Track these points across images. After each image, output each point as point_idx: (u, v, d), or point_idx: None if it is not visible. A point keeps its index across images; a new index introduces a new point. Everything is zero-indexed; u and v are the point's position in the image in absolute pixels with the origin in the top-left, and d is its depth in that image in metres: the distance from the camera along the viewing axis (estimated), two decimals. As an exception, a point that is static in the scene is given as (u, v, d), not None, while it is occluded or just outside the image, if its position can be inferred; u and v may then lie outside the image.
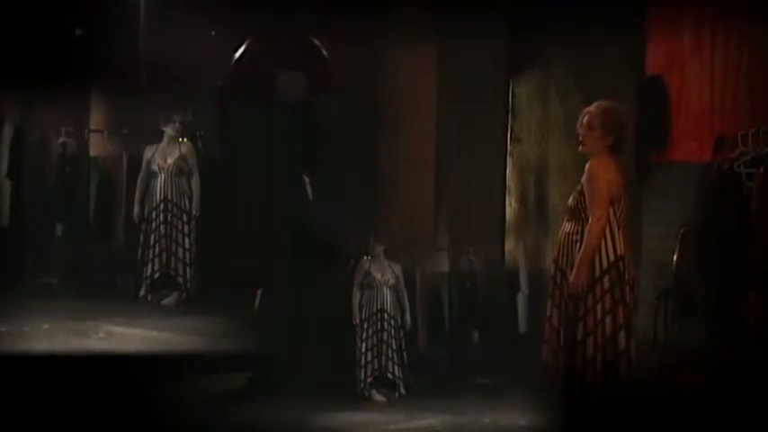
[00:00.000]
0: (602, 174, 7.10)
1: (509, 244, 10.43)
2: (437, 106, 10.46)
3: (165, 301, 9.96)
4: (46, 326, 8.75)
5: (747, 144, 8.75)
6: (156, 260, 9.97)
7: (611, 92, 10.08)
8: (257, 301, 9.28)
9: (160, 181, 10.05)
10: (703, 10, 9.57)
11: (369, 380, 9.44)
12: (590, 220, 7.09)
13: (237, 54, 9.34)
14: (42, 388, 7.36)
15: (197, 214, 10.07)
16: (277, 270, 9.28)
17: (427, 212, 10.42)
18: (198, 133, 10.38)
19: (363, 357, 9.48)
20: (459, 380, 9.73)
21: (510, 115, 10.64)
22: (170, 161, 10.07)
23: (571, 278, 7.10)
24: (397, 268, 9.71)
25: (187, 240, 10.01)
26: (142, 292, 10.01)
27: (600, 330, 7.12)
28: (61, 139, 10.55)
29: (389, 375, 9.50)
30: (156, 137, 10.21)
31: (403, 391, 9.51)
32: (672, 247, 9.16)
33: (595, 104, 7.39)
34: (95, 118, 10.91)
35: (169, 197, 10.03)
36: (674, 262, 9.12)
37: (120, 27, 10.12)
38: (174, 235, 10.01)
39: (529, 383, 8.29)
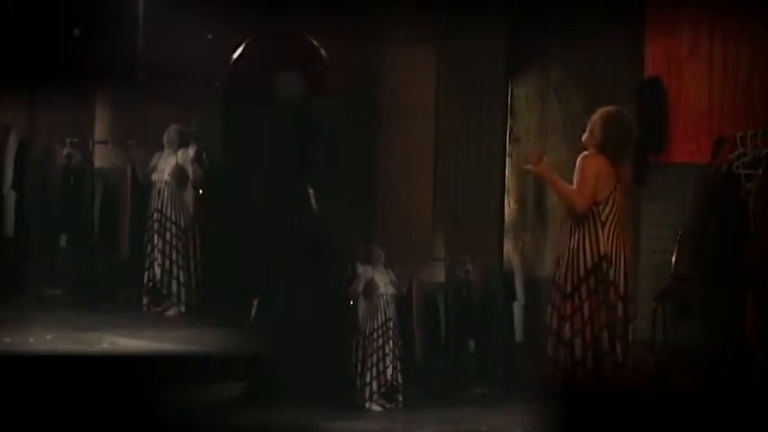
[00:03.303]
0: (589, 164, 7.22)
1: (508, 245, 10.44)
2: (436, 107, 10.45)
3: (167, 312, 9.95)
4: (49, 337, 8.74)
5: (746, 145, 8.74)
6: (150, 271, 9.97)
7: (609, 93, 10.13)
8: (253, 312, 9.26)
9: (154, 191, 10.05)
10: (702, 11, 9.57)
11: (381, 390, 9.32)
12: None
13: (236, 55, 9.33)
14: (37, 390, 7.35)
15: (188, 227, 10.04)
16: (277, 278, 9.24)
17: (426, 214, 10.41)
18: (202, 145, 10.37)
19: (375, 369, 9.36)
20: (455, 389, 9.68)
21: (509, 116, 10.65)
22: (166, 172, 10.07)
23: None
24: (394, 276, 9.63)
25: (174, 252, 9.98)
26: (145, 301, 10.00)
27: (587, 330, 7.17)
28: (66, 151, 10.54)
29: (395, 384, 9.41)
30: (161, 147, 10.22)
31: (401, 398, 9.43)
32: (670, 249, 9.17)
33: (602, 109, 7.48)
34: (100, 129, 10.89)
35: (161, 208, 10.02)
36: (673, 263, 9.13)
37: (121, 31, 10.13)
38: (161, 247, 9.99)
39: (526, 392, 8.32)
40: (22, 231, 10.20)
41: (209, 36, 9.80)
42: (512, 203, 10.58)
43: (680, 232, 9.12)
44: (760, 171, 8.53)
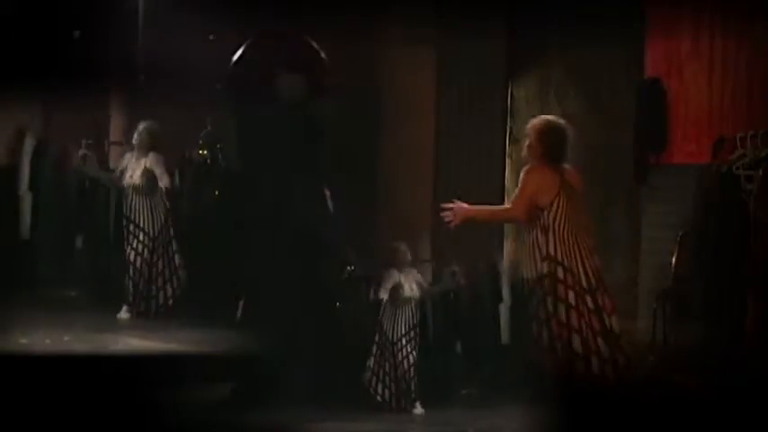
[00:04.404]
0: (530, 178, 7.47)
1: (508, 246, 10.45)
2: (436, 108, 10.46)
3: (147, 317, 9.87)
4: (66, 338, 8.71)
5: (746, 146, 8.75)
6: (125, 277, 9.92)
7: (609, 93, 10.14)
8: (239, 312, 9.27)
9: (125, 195, 9.95)
10: (702, 11, 9.58)
11: (414, 394, 9.29)
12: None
13: (236, 56, 9.33)
14: (36, 391, 7.35)
15: (159, 232, 9.95)
16: (285, 278, 9.23)
17: (426, 214, 10.41)
18: (218, 146, 10.33)
19: (396, 373, 9.31)
20: (442, 390, 9.63)
21: (509, 116, 10.66)
22: (136, 176, 9.91)
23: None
24: (418, 276, 9.52)
25: (140, 259, 9.89)
26: (125, 308, 9.92)
27: (552, 330, 7.38)
28: (81, 152, 10.42)
29: (413, 388, 9.37)
30: (174, 148, 10.17)
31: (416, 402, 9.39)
32: (671, 250, 9.18)
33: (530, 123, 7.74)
34: (115, 130, 10.85)
35: (128, 215, 9.92)
36: (673, 264, 9.14)
37: (133, 33, 10.15)
38: (131, 255, 9.91)
39: (513, 393, 8.37)
40: (38, 233, 10.18)
41: (211, 36, 9.79)
42: (512, 204, 10.56)
43: (680, 233, 9.13)
44: (760, 172, 8.53)
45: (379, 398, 9.35)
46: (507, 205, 7.67)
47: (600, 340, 7.34)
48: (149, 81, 10.09)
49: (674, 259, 9.14)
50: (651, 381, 8.28)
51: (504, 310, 9.83)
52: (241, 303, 9.29)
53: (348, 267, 9.69)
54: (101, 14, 9.99)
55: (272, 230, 9.20)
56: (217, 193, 10.29)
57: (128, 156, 10.00)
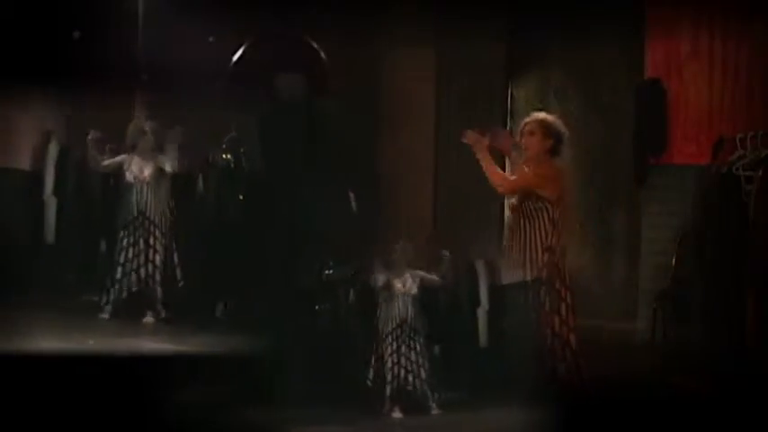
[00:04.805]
0: (535, 171, 7.63)
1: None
2: (436, 108, 10.45)
3: (145, 320, 9.83)
4: (91, 342, 8.67)
5: (746, 147, 8.77)
6: (127, 279, 9.86)
7: (609, 94, 10.14)
8: (219, 311, 9.27)
9: (135, 194, 9.93)
10: (702, 11, 9.59)
11: (391, 395, 9.23)
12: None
13: (236, 57, 9.34)
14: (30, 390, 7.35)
15: (170, 231, 9.93)
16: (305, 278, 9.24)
17: (426, 214, 10.42)
18: (241, 150, 10.29)
19: (390, 373, 9.28)
20: (421, 394, 9.55)
21: (509, 117, 10.65)
22: (147, 173, 9.89)
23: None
24: (416, 274, 9.50)
25: (158, 257, 9.85)
26: (106, 315, 9.85)
27: (552, 325, 7.55)
28: (106, 156, 10.38)
29: (409, 388, 9.30)
30: (197, 153, 10.16)
31: (434, 406, 9.32)
32: (671, 250, 9.19)
33: (533, 116, 7.88)
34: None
35: (144, 211, 9.88)
36: (673, 265, 9.15)
37: (150, 34, 10.17)
38: (148, 252, 9.87)
39: (492, 397, 8.39)
40: (63, 238, 10.14)
41: (210, 38, 9.78)
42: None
43: (680, 233, 9.13)
44: (760, 172, 8.54)
45: (376, 396, 9.32)
46: (510, 176, 7.81)
47: (572, 336, 7.51)
48: (167, 83, 10.06)
49: (673, 260, 9.15)
50: (651, 381, 8.29)
51: (482, 313, 9.75)
52: (221, 305, 9.32)
53: (326, 271, 9.66)
54: (123, 15, 10.00)
55: (296, 232, 9.22)
56: (241, 197, 10.24)
57: (124, 156, 10.00)
